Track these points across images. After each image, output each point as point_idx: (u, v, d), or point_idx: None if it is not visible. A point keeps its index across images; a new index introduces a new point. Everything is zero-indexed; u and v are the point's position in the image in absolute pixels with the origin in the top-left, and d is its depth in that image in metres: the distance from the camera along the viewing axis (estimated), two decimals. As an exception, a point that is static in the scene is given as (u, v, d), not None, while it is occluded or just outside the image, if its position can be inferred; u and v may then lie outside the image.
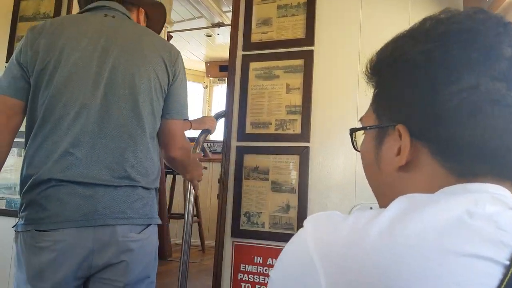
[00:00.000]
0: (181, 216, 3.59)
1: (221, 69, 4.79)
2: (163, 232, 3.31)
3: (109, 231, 1.10)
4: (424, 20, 0.49)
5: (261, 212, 1.74)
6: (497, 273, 0.36)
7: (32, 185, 1.08)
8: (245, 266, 1.73)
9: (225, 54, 4.97)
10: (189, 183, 1.69)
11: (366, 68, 0.54)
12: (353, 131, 0.58)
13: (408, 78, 0.48)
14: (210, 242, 3.86)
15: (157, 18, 1.44)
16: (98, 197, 1.09)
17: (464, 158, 0.45)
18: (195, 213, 3.79)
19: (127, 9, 1.29)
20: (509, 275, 0.36)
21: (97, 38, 1.17)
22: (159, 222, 1.24)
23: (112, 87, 1.14)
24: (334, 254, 0.39)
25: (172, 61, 1.25)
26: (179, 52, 1.30)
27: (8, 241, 1.76)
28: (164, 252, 3.28)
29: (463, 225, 0.38)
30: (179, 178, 3.71)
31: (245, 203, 1.76)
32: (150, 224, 1.21)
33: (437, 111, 0.45)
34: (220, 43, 4.72)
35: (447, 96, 0.44)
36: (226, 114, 1.86)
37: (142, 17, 1.38)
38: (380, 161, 0.52)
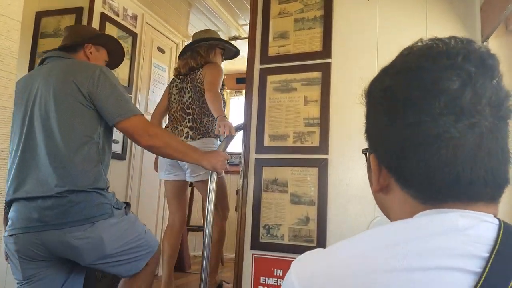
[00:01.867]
0: (200, 228, 3.60)
1: (238, 81, 4.83)
2: (182, 245, 3.32)
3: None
4: (400, 53, 0.53)
5: (281, 225, 1.74)
6: (468, 281, 0.40)
7: None
8: (265, 279, 1.73)
9: (241, 66, 5.01)
10: (209, 195, 1.71)
11: (361, 95, 0.59)
12: (363, 152, 0.63)
13: (373, 112, 0.55)
14: (228, 254, 3.86)
15: (113, 47, 1.76)
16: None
17: (421, 187, 0.48)
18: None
19: (71, 51, 1.61)
20: (481, 281, 0.39)
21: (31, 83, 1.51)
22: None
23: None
24: (315, 283, 0.47)
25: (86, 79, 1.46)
26: (96, 69, 1.48)
27: None
28: (183, 264, 3.29)
29: (432, 240, 0.43)
30: (197, 192, 3.73)
31: (264, 215, 1.77)
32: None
33: (392, 144, 0.50)
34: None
35: (397, 131, 0.49)
36: (244, 127, 1.88)
37: (91, 51, 1.65)
38: (370, 183, 0.58)
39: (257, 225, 1.77)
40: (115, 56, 1.78)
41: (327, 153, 1.70)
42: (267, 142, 1.82)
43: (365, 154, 0.61)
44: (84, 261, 1.43)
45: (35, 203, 1.38)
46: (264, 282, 1.73)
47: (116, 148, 2.57)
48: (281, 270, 1.71)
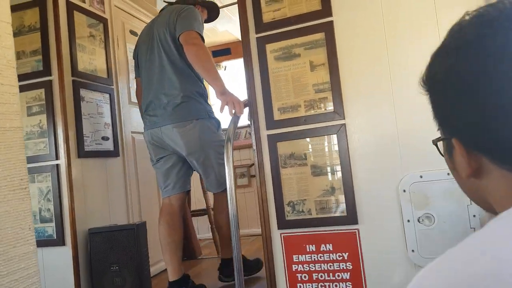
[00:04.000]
0: (203, 212, 3.52)
1: (214, 54, 4.62)
2: (189, 230, 3.24)
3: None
4: (450, 31, 0.51)
5: (305, 199, 1.66)
6: None
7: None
8: (298, 257, 1.67)
9: (216, 38, 4.74)
10: (227, 165, 1.63)
11: (420, 84, 0.56)
12: (433, 143, 0.60)
13: (442, 97, 0.52)
14: (241, 231, 3.81)
15: (213, 10, 2.49)
16: None
17: None
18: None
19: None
20: None
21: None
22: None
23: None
24: None
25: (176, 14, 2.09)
26: (185, 9, 2.11)
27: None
28: (193, 250, 3.21)
29: None
30: (195, 176, 3.62)
31: (286, 192, 1.69)
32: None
33: (477, 120, 0.47)
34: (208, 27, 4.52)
35: (479, 106, 0.46)
36: (250, 104, 1.76)
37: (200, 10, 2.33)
38: (457, 169, 0.54)
39: (280, 203, 1.69)
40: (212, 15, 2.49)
41: (343, 117, 1.61)
42: (277, 116, 1.71)
43: (437, 144, 0.58)
44: (185, 152, 2.05)
45: (158, 106, 2.07)
46: (297, 260, 1.67)
47: (107, 145, 2.40)
48: (314, 246, 1.65)
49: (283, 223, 1.69)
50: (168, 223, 2.10)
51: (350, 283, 1.60)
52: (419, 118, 1.51)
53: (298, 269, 1.67)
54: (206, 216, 3.48)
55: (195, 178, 3.67)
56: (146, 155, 2.87)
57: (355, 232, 1.59)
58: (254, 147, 1.74)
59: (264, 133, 1.72)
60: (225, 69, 4.77)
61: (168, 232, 2.09)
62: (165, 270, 2.80)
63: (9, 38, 0.71)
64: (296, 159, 1.67)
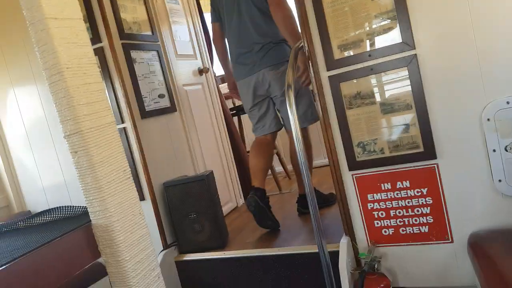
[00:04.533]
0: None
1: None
2: (248, 172, 3.32)
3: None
4: None
5: (376, 139, 1.61)
6: None
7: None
8: (373, 195, 1.67)
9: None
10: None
11: None
12: None
13: None
14: (291, 166, 3.87)
15: None
16: None
17: None
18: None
19: None
20: None
21: None
22: None
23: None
24: None
25: None
26: None
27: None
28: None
29: None
30: (245, 118, 3.63)
31: (355, 134, 1.64)
32: None
33: None
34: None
35: None
36: (303, 46, 1.66)
37: None
38: None
39: (349, 145, 1.66)
40: None
41: (413, 47, 1.48)
42: (337, 54, 1.61)
43: None
44: (279, 92, 2.20)
45: (251, 54, 2.22)
46: (372, 199, 1.67)
47: (165, 102, 2.43)
48: (389, 183, 1.63)
49: (354, 165, 1.67)
50: (263, 150, 2.38)
51: (431, 217, 1.59)
52: (503, 35, 1.36)
53: (374, 207, 1.67)
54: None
55: (245, 119, 3.68)
56: (201, 107, 2.90)
57: (434, 167, 1.54)
58: (316, 91, 1.67)
59: (325, 74, 1.64)
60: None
61: (262, 156, 2.36)
62: (232, 210, 2.96)
63: (84, 35, 0.70)
64: (363, 98, 1.60)
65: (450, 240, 1.57)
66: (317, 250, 1.58)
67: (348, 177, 1.69)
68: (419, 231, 1.62)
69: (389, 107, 1.56)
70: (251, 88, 2.29)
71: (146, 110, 2.23)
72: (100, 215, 0.68)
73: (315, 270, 1.78)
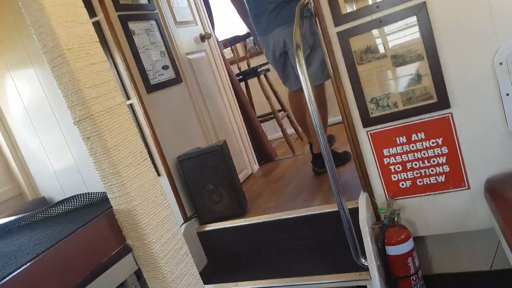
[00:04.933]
0: (269, 116, 3.55)
1: None
2: (261, 136, 3.33)
3: None
4: None
5: (389, 93, 1.58)
6: None
7: None
8: (389, 150, 1.66)
9: None
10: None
11: None
12: None
13: None
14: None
15: None
16: None
17: None
18: (279, 108, 3.72)
19: None
20: None
21: None
22: None
23: None
24: None
25: None
26: None
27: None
28: (269, 153, 3.32)
29: None
30: (252, 81, 3.58)
31: (367, 89, 1.61)
32: None
33: None
34: None
35: None
36: (310, 1, 1.60)
37: None
38: None
39: (362, 102, 1.63)
40: None
41: (422, -6, 1.42)
42: (344, 9, 1.55)
43: None
44: (290, 50, 2.29)
45: (267, 13, 2.25)
46: (388, 154, 1.67)
47: (169, 73, 2.40)
48: (404, 137, 1.62)
49: (368, 121, 1.65)
50: (298, 109, 2.53)
51: (447, 166, 1.58)
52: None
53: (391, 162, 1.67)
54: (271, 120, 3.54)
55: (253, 83, 3.64)
56: (206, 75, 2.86)
57: (448, 116, 1.52)
58: (325, 49, 1.63)
59: (333, 31, 1.59)
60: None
61: (300, 113, 2.53)
62: (248, 177, 2.99)
63: (83, 12, 0.66)
64: (373, 52, 1.55)
65: (467, 187, 1.58)
66: (337, 209, 1.60)
67: (363, 135, 1.68)
68: (436, 181, 1.62)
69: (401, 59, 1.52)
70: (270, 50, 2.37)
71: (151, 83, 2.21)
72: (121, 200, 0.68)
73: (336, 228, 1.81)
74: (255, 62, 3.86)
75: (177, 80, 2.45)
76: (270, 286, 1.79)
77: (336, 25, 1.57)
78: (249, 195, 2.48)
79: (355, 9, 1.53)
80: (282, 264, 1.93)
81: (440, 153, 1.58)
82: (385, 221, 1.63)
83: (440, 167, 1.60)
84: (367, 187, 1.75)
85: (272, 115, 3.47)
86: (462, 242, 1.75)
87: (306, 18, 2.03)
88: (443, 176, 1.60)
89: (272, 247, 2.04)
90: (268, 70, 3.56)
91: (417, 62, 1.50)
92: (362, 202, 1.70)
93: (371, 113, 1.63)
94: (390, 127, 1.62)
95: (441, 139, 1.56)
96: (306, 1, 1.65)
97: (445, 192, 1.62)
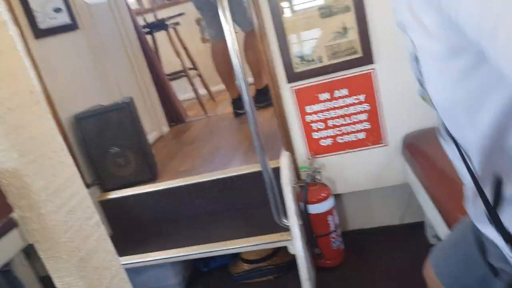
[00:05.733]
0: (180, 74, 3.32)
1: None
2: (170, 97, 3.10)
3: None
4: None
5: (315, 46, 1.51)
6: None
7: None
8: (312, 107, 1.61)
9: None
10: None
11: None
12: None
13: None
14: (214, 88, 3.70)
15: None
16: None
17: None
18: (191, 66, 3.51)
19: None
20: None
21: None
22: None
23: None
24: None
25: None
26: None
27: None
28: (180, 114, 3.13)
29: None
30: (160, 35, 3.28)
31: (293, 42, 1.52)
32: None
33: None
34: None
35: None
36: None
37: None
38: None
39: (287, 55, 1.54)
40: None
41: None
42: (270, -51, 1.40)
43: None
44: None
45: None
46: (311, 111, 1.62)
47: (63, 18, 2.02)
48: (327, 93, 1.58)
49: (292, 76, 1.57)
50: (223, 58, 2.40)
51: (368, 123, 1.59)
52: None
53: (313, 119, 1.63)
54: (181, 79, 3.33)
55: (160, 36, 3.34)
56: (108, 24, 2.50)
57: (371, 72, 1.51)
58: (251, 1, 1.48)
59: (258, -26, 1.44)
60: None
61: (225, 62, 2.38)
62: (158, 139, 2.77)
63: None
64: (300, 2, 1.45)
65: (385, 144, 1.61)
66: (255, 170, 1.52)
67: (287, 91, 1.60)
68: (356, 138, 1.63)
69: (328, 10, 1.45)
70: None
71: (40, 28, 1.84)
72: (5, 156, 0.47)
73: (256, 190, 1.74)
74: (162, 14, 3.53)
75: (73, 26, 2.08)
76: (186, 254, 1.67)
77: (262, -33, 1.43)
78: (160, 158, 2.28)
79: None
80: (198, 231, 1.81)
81: (362, 110, 1.58)
82: (307, 180, 1.61)
83: (361, 124, 1.60)
84: (289, 145, 1.69)
85: (183, 73, 3.25)
86: (376, 198, 1.82)
87: None
88: (364, 133, 1.61)
89: (187, 213, 1.91)
90: (177, 23, 3.28)
91: (345, 14, 1.44)
92: (284, 161, 1.64)
93: (296, 68, 1.55)
94: (314, 83, 1.57)
95: (364, 95, 1.55)
96: None
97: (364, 149, 1.64)
